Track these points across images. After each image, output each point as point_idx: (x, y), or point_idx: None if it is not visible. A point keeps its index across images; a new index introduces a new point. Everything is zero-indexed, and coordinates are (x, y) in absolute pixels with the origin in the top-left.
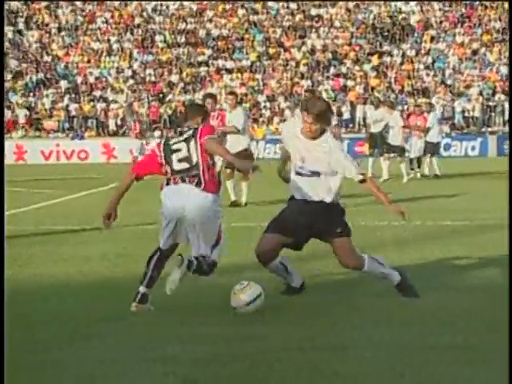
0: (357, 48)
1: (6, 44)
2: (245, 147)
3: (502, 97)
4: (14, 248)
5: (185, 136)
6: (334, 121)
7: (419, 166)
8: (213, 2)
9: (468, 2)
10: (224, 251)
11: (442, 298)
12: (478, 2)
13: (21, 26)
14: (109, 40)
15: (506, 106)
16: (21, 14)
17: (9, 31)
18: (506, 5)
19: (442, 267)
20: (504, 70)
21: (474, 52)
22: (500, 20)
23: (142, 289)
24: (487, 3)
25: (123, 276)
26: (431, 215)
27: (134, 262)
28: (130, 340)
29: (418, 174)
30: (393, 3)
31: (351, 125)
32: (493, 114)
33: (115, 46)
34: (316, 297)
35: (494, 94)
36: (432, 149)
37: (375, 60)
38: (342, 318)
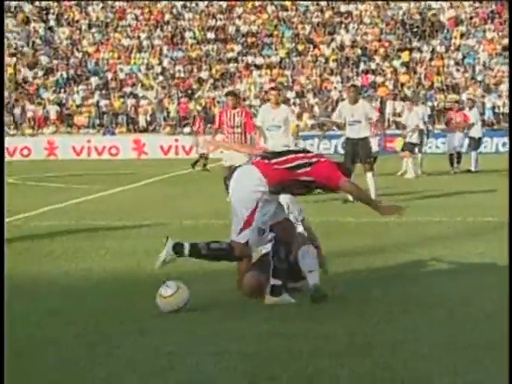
0: (386, 44)
1: (38, 41)
2: (286, 144)
3: None
4: (58, 243)
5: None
6: (375, 116)
7: (459, 162)
8: None
9: None
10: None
11: (488, 296)
12: None
13: (52, 23)
14: (139, 37)
15: None
16: (52, 11)
17: (40, 28)
18: None
19: (486, 264)
20: None
21: (505, 48)
22: None
23: (271, 280)
24: None
25: (172, 271)
26: (471, 211)
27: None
28: (183, 336)
29: (452, 171)
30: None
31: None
32: None
33: (145, 43)
34: (357, 294)
35: None
36: (474, 144)
37: (405, 56)
38: (385, 315)
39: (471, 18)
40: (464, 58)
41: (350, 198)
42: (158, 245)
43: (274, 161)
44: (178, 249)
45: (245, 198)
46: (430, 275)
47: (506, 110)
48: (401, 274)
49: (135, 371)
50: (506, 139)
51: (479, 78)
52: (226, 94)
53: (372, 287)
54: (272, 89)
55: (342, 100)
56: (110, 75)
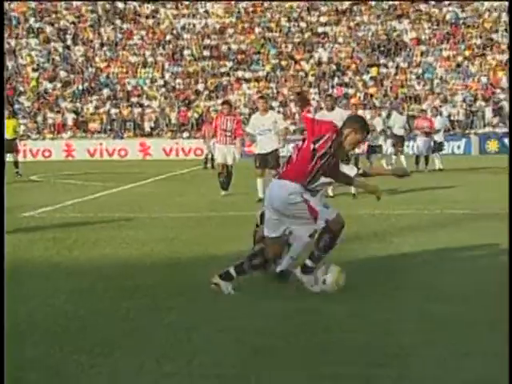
0: (357, 61)
1: (57, 58)
2: (275, 148)
3: (483, 103)
4: (81, 232)
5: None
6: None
7: (427, 163)
8: (233, 21)
9: (453, 22)
10: (329, 214)
11: (461, 279)
12: (461, 22)
13: (69, 42)
14: (144, 54)
15: (486, 110)
16: (69, 32)
17: (59, 47)
18: (486, 24)
19: (453, 251)
20: (484, 79)
21: (458, 65)
22: (480, 37)
23: (307, 261)
24: (469, 23)
25: (181, 256)
26: (438, 205)
27: (186, 245)
28: (196, 313)
29: (421, 169)
30: (388, 22)
31: None
32: (475, 117)
33: (149, 59)
34: (360, 278)
35: (475, 100)
36: (438, 147)
37: (373, 71)
38: (385, 297)
39: (430, 38)
40: (424, 72)
41: (353, 190)
42: (167, 234)
43: (288, 167)
44: (226, 276)
45: (285, 202)
46: (403, 261)
47: (460, 117)
48: (378, 260)
49: (151, 344)
50: (460, 143)
51: (437, 90)
52: (222, 103)
53: (355, 273)
54: (260, 98)
55: (321, 109)
56: (119, 87)
